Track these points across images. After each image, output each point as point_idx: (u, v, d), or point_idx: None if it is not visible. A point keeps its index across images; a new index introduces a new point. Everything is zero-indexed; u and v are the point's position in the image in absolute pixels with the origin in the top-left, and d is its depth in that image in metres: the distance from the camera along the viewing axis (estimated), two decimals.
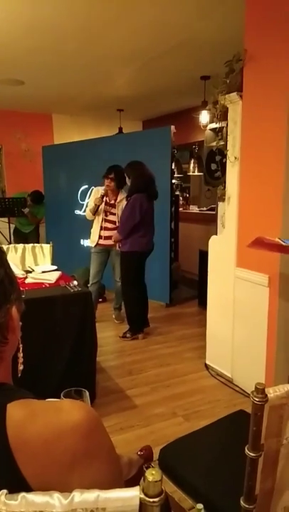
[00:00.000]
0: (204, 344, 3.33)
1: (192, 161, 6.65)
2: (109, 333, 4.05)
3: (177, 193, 6.26)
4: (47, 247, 3.47)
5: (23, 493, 0.55)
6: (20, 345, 0.76)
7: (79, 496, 0.55)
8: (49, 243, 3.51)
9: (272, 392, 0.92)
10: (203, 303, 4.10)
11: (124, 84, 5.39)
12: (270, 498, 1.05)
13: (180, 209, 6.14)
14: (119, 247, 3.91)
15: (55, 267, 3.18)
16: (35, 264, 3.34)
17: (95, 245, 4.13)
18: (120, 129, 7.10)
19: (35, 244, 3.53)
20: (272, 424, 0.95)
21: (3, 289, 0.69)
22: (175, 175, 5.93)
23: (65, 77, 5.03)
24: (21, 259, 3.38)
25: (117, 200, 4.07)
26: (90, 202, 4.21)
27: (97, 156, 5.12)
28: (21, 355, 0.78)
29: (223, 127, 2.93)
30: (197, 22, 3.41)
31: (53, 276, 2.87)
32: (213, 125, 3.16)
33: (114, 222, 4.05)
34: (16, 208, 5.78)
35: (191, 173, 6.80)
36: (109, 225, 4.07)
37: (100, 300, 4.79)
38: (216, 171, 3.21)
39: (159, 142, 4.62)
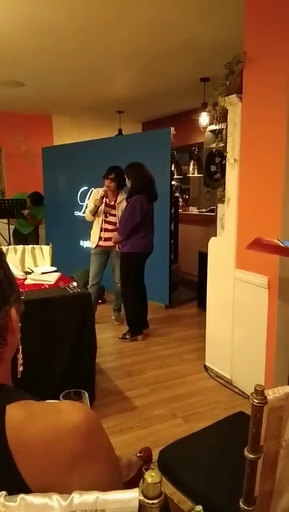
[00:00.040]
0: (204, 346, 3.33)
1: (192, 163, 6.66)
2: (108, 334, 4.04)
3: (177, 194, 6.26)
4: (46, 249, 3.47)
5: (22, 495, 0.55)
6: (20, 347, 0.77)
7: (78, 498, 0.55)
8: (49, 244, 3.51)
9: (271, 394, 0.92)
10: (202, 304, 4.10)
11: (124, 85, 5.40)
12: (270, 499, 1.05)
13: (180, 210, 6.14)
14: (119, 248, 3.91)
15: (55, 268, 3.18)
16: (35, 266, 3.34)
17: (95, 246, 4.13)
18: (120, 131, 7.10)
19: (35, 246, 3.53)
20: (271, 425, 0.95)
21: (2, 291, 0.69)
22: (175, 176, 5.93)
23: (64, 79, 5.04)
24: (21, 261, 3.39)
25: (117, 201, 4.08)
26: (89, 203, 4.21)
27: (97, 158, 5.12)
28: (21, 356, 0.78)
29: (222, 129, 2.93)
30: (197, 23, 3.42)
31: (52, 278, 2.87)
32: (213, 127, 3.17)
33: (114, 224, 4.06)
34: (15, 209, 5.78)
35: (190, 175, 6.80)
36: (109, 227, 4.07)
37: (100, 301, 4.79)
38: (215, 173, 3.22)
39: (159, 144, 4.63)
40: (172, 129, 4.57)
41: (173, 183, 5.08)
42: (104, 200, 4.04)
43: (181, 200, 7.00)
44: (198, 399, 2.83)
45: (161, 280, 4.71)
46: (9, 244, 5.71)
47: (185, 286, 5.67)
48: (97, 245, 4.11)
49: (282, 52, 2.39)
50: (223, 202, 3.02)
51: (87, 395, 0.91)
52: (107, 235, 4.04)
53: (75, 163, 5.69)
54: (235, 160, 2.80)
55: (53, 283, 2.80)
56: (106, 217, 4.09)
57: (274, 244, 2.00)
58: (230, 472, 1.28)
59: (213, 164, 3.22)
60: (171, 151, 4.61)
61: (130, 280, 3.84)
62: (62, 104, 6.50)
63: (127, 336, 3.89)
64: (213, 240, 3.19)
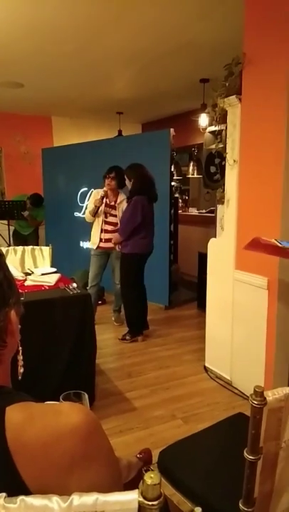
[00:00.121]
0: (203, 346, 3.33)
1: (191, 164, 6.67)
2: (108, 335, 4.04)
3: (176, 195, 6.27)
4: (46, 250, 3.47)
5: (22, 497, 0.55)
6: (20, 348, 0.77)
7: (78, 499, 0.55)
8: (48, 245, 3.51)
9: (271, 395, 0.92)
10: (202, 305, 4.10)
11: (124, 86, 5.40)
12: (269, 501, 1.05)
13: (179, 211, 6.14)
14: (119, 248, 3.91)
15: (55, 269, 3.18)
16: (35, 267, 3.34)
17: (96, 248, 4.12)
18: (120, 132, 7.11)
19: (35, 247, 3.53)
20: (271, 427, 0.95)
21: (1, 293, 0.69)
22: (174, 177, 5.94)
23: (64, 80, 5.04)
24: (21, 262, 3.39)
25: (117, 202, 4.08)
26: (89, 204, 4.21)
27: (97, 159, 5.12)
28: (21, 357, 0.78)
29: (222, 130, 2.94)
30: (197, 23, 3.42)
31: (52, 279, 2.87)
32: (213, 128, 3.17)
33: (114, 224, 4.06)
34: (15, 210, 5.78)
35: (190, 176, 6.81)
36: (109, 227, 4.07)
37: (100, 302, 4.79)
38: (215, 174, 3.22)
39: (159, 145, 4.63)
40: (172, 130, 4.58)
41: (172, 184, 5.09)
42: (104, 200, 4.04)
43: (180, 201, 7.00)
44: (198, 400, 2.83)
45: (160, 281, 4.71)
46: (9, 245, 5.72)
47: (185, 287, 5.67)
48: (98, 246, 4.11)
49: (281, 53, 2.39)
50: (222, 203, 3.03)
51: (87, 396, 0.91)
52: (107, 236, 4.05)
53: (75, 164, 5.69)
54: (234, 161, 2.80)
55: (52, 284, 2.80)
56: (106, 217, 4.09)
57: (272, 244, 2.01)
58: (230, 473, 1.28)
59: (213, 165, 3.23)
60: (170, 152, 4.62)
61: (130, 281, 3.84)
62: (62, 105, 6.51)
63: (127, 337, 3.89)
64: (212, 240, 3.19)
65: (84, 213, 4.76)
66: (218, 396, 2.88)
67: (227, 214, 2.96)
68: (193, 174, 6.64)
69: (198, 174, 6.40)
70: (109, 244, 4.01)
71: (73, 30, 3.54)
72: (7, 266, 0.73)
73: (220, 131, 2.97)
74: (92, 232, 4.18)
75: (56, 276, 2.96)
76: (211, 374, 3.20)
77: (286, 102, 2.39)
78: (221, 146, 2.98)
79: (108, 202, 4.08)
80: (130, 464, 1.67)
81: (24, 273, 3.07)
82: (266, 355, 2.67)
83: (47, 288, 2.74)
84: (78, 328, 2.57)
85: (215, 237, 3.24)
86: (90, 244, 4.27)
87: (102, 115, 7.13)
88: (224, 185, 2.96)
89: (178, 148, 6.00)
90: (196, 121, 5.35)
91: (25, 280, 2.89)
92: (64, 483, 0.59)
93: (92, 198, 4.13)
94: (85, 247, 5.40)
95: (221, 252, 3.04)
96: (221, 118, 2.91)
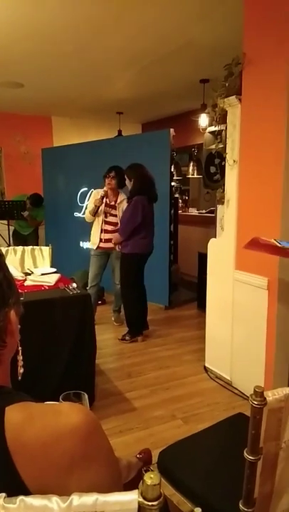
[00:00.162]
0: (203, 347, 3.33)
1: (191, 164, 6.67)
2: (108, 335, 4.04)
3: (176, 195, 6.27)
4: (46, 250, 3.47)
5: (21, 497, 0.55)
6: (20, 348, 0.77)
7: (77, 500, 0.55)
8: (48, 245, 3.51)
9: (271, 396, 0.92)
10: (202, 305, 4.10)
11: (124, 86, 5.40)
12: (269, 501, 1.05)
13: (179, 211, 6.14)
14: (119, 248, 3.91)
15: (55, 270, 3.17)
16: (35, 267, 3.34)
17: (96, 248, 4.12)
18: (120, 132, 7.11)
19: (35, 247, 3.53)
20: (271, 427, 0.95)
21: (1, 293, 0.69)
22: (174, 177, 5.94)
23: (64, 80, 5.04)
24: (20, 262, 3.38)
25: (118, 202, 4.08)
26: (89, 204, 4.21)
27: (97, 159, 5.12)
28: (21, 358, 0.78)
29: (222, 130, 2.94)
30: (197, 24, 3.42)
31: (52, 279, 2.87)
32: (212, 128, 3.17)
33: (114, 224, 4.06)
34: (15, 210, 5.78)
35: (190, 176, 6.81)
36: (109, 227, 4.07)
37: (99, 302, 4.79)
38: (215, 174, 3.22)
39: (159, 145, 4.63)
40: (172, 130, 4.58)
41: (172, 184, 5.09)
42: (104, 200, 4.04)
43: (180, 201, 7.01)
44: (197, 400, 2.83)
45: (160, 281, 4.71)
46: (9, 245, 5.72)
47: (185, 287, 5.67)
48: (98, 247, 4.11)
49: (281, 53, 2.39)
50: (222, 203, 3.03)
51: (86, 396, 0.91)
52: (107, 236, 4.04)
53: (75, 165, 5.69)
54: (234, 161, 2.80)
55: (52, 284, 2.80)
56: (106, 217, 4.09)
57: (271, 244, 2.01)
58: (230, 473, 1.28)
59: (213, 165, 3.23)
60: (170, 152, 4.62)
61: (130, 281, 3.84)
62: (62, 105, 6.51)
63: (127, 337, 3.89)
64: (212, 241, 3.19)
65: (84, 213, 4.76)
66: (218, 396, 2.88)
67: (227, 214, 2.96)
68: (193, 174, 6.64)
69: (198, 174, 6.40)
70: (109, 245, 4.01)
71: (73, 30, 3.54)
72: (7, 266, 0.73)
73: (220, 132, 2.97)
74: (91, 232, 4.18)
75: (56, 276, 2.96)
76: (211, 374, 3.20)
77: (286, 102, 2.39)
78: (220, 146, 2.98)
79: (108, 202, 4.08)
80: (130, 464, 1.67)
81: (24, 273, 3.07)
82: (266, 355, 2.67)
83: (47, 288, 2.74)
84: (78, 329, 2.57)
85: (215, 237, 3.24)
86: (89, 245, 4.27)
87: (102, 115, 7.13)
88: (224, 185, 2.96)
89: (178, 149, 6.00)
90: (196, 122, 5.35)
91: (25, 280, 2.89)
92: (64, 483, 0.58)
93: (92, 198, 4.13)
94: (84, 247, 5.40)
95: (221, 252, 3.04)
96: (221, 118, 2.91)
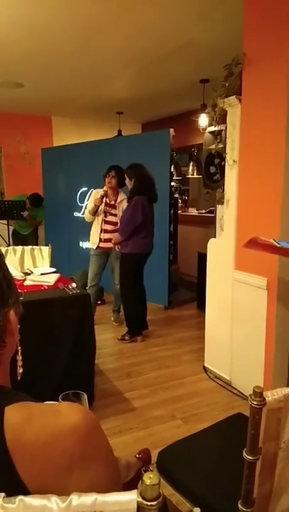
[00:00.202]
0: (203, 347, 3.33)
1: (191, 164, 6.68)
2: (107, 335, 4.04)
3: (176, 195, 6.27)
4: (46, 249, 3.47)
5: (20, 497, 0.55)
6: (19, 348, 0.77)
7: (77, 500, 0.55)
8: (48, 245, 3.51)
9: (270, 396, 0.92)
10: (201, 305, 4.10)
11: (124, 86, 5.40)
12: (268, 501, 1.05)
13: (179, 211, 6.15)
14: (118, 248, 3.91)
15: (54, 269, 3.17)
16: (34, 267, 3.34)
17: (96, 248, 4.12)
18: (119, 132, 7.11)
19: (34, 247, 3.53)
20: (270, 427, 0.95)
21: (1, 293, 0.69)
22: (174, 177, 5.94)
23: (64, 80, 5.04)
24: (20, 261, 3.39)
25: (118, 201, 4.08)
26: (89, 203, 4.21)
27: (96, 159, 5.12)
28: (20, 358, 0.78)
29: (222, 130, 2.94)
30: (197, 24, 3.42)
31: (51, 279, 2.87)
32: (212, 128, 3.17)
33: (114, 224, 4.05)
34: (15, 210, 5.78)
35: (190, 176, 6.82)
36: (108, 227, 4.07)
37: (99, 302, 4.79)
38: (214, 174, 3.22)
39: (158, 145, 4.63)
40: (172, 130, 4.58)
41: (172, 184, 5.09)
42: (104, 199, 4.04)
43: (180, 201, 7.01)
44: (197, 400, 2.83)
45: (160, 281, 4.71)
46: (8, 245, 5.71)
47: (184, 287, 5.67)
48: (97, 246, 4.11)
49: (281, 53, 2.39)
50: (222, 203, 3.03)
51: (86, 396, 0.91)
52: (107, 236, 4.04)
53: (75, 164, 5.69)
54: (234, 161, 2.81)
55: (52, 284, 2.80)
56: (106, 216, 4.08)
57: (269, 243, 2.01)
58: (229, 474, 1.27)
59: (213, 165, 3.23)
60: (170, 152, 4.62)
61: (130, 281, 3.84)
62: (62, 105, 6.51)
63: (126, 337, 3.89)
64: (212, 241, 3.20)
65: (83, 213, 4.76)
66: (217, 396, 2.88)
67: (227, 214, 2.96)
68: (192, 174, 6.64)
69: (197, 174, 6.40)
70: (109, 244, 4.01)
71: (73, 30, 3.54)
72: (6, 266, 0.73)
73: (220, 132, 2.97)
74: (91, 232, 4.18)
75: (55, 276, 2.95)
76: (210, 374, 3.20)
77: (286, 102, 2.39)
78: (220, 146, 2.98)
79: (108, 201, 4.08)
80: (129, 464, 1.67)
81: (23, 273, 3.07)
82: (265, 355, 2.68)
83: (46, 288, 2.74)
84: (77, 328, 2.57)
85: (214, 237, 3.24)
86: (89, 244, 4.27)
87: (102, 115, 7.13)
88: (224, 185, 2.96)
89: (178, 149, 6.00)
90: (196, 122, 5.36)
91: (25, 280, 2.89)
92: (63, 483, 0.58)
93: (91, 198, 4.13)
94: (84, 247, 5.39)
95: (221, 252, 3.04)
96: (221, 118, 2.91)
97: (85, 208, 4.67)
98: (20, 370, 0.78)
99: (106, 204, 4.08)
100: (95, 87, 5.40)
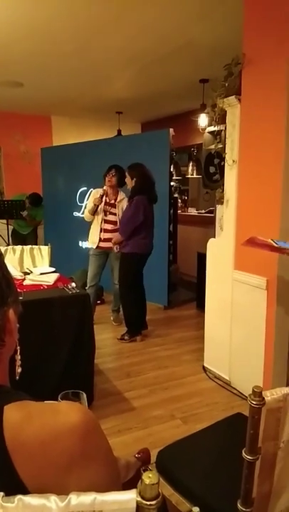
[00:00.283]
0: (202, 346, 3.33)
1: (191, 164, 6.68)
2: (107, 335, 4.04)
3: (176, 195, 6.27)
4: (45, 249, 3.47)
5: (19, 496, 0.55)
6: (18, 348, 0.76)
7: (76, 499, 0.55)
8: (47, 245, 3.51)
9: (269, 396, 0.92)
10: (201, 305, 4.10)
11: (124, 86, 5.40)
12: (268, 501, 1.05)
13: (178, 211, 6.15)
14: (117, 249, 3.90)
15: (54, 269, 3.17)
16: (34, 266, 3.34)
17: (95, 247, 4.12)
18: (119, 131, 7.11)
19: (34, 246, 3.53)
20: (269, 427, 0.95)
21: (0, 292, 0.69)
22: (174, 177, 5.94)
23: (64, 80, 5.04)
24: (19, 261, 3.38)
25: (117, 200, 4.08)
26: (88, 202, 4.20)
27: (96, 158, 5.12)
28: (19, 357, 0.78)
29: (221, 130, 2.94)
30: (197, 24, 3.42)
31: (51, 278, 2.87)
32: (212, 128, 3.17)
33: (113, 223, 4.05)
34: (14, 210, 5.78)
35: (189, 176, 6.82)
36: (108, 227, 4.06)
37: (98, 302, 4.78)
38: (214, 174, 3.22)
39: (158, 145, 4.63)
40: (171, 130, 4.58)
41: (172, 184, 5.09)
42: (103, 199, 4.04)
43: (180, 201, 7.01)
44: (196, 400, 2.83)
45: (160, 281, 4.71)
46: (8, 244, 5.71)
47: (184, 287, 5.67)
48: (97, 246, 4.10)
49: (281, 53, 2.39)
50: (221, 203, 3.03)
51: (85, 395, 0.91)
52: (107, 235, 4.04)
53: (74, 164, 5.69)
54: (234, 161, 2.81)
55: (51, 283, 2.80)
56: (106, 215, 4.08)
57: (268, 243, 2.02)
58: (229, 473, 1.27)
59: (212, 165, 3.23)
60: (170, 152, 4.62)
61: (129, 281, 3.84)
62: (62, 105, 6.50)
63: (126, 337, 3.89)
64: (211, 241, 3.20)
65: (83, 213, 4.76)
66: (216, 396, 2.88)
67: (226, 214, 2.96)
68: (192, 174, 6.64)
69: (197, 174, 6.40)
70: (109, 244, 4.00)
71: (73, 30, 3.54)
72: (6, 265, 0.73)
73: (219, 132, 2.97)
74: (90, 231, 4.17)
75: (55, 275, 2.95)
76: (209, 374, 3.20)
77: (286, 102, 2.39)
78: (220, 146, 2.98)
79: (108, 200, 4.08)
80: (129, 464, 1.67)
81: (23, 272, 3.07)
82: (265, 355, 2.68)
83: (45, 287, 2.74)
84: (77, 328, 2.57)
85: (214, 237, 3.24)
86: (89, 244, 4.26)
87: (102, 115, 7.13)
88: (223, 185, 2.96)
89: (177, 149, 6.01)
90: (196, 122, 5.35)
91: (24, 279, 2.89)
92: (62, 482, 0.58)
93: (91, 197, 4.13)
94: (84, 246, 5.39)
95: (220, 252, 3.04)
96: (221, 118, 2.91)
97: (85, 207, 4.67)
98: (19, 370, 0.78)
99: (106, 203, 4.07)
100: (95, 87, 5.40)
